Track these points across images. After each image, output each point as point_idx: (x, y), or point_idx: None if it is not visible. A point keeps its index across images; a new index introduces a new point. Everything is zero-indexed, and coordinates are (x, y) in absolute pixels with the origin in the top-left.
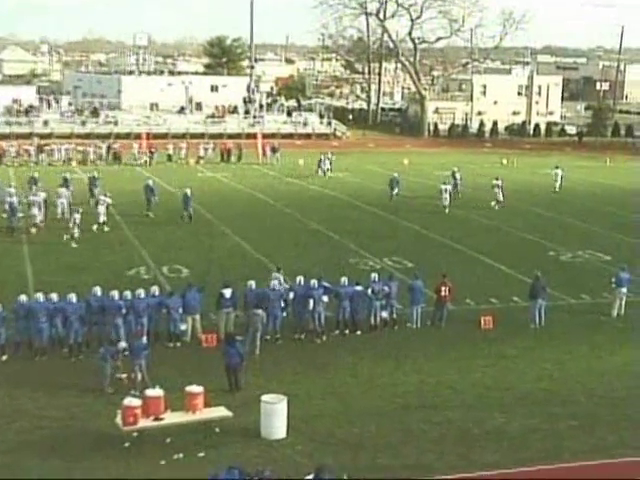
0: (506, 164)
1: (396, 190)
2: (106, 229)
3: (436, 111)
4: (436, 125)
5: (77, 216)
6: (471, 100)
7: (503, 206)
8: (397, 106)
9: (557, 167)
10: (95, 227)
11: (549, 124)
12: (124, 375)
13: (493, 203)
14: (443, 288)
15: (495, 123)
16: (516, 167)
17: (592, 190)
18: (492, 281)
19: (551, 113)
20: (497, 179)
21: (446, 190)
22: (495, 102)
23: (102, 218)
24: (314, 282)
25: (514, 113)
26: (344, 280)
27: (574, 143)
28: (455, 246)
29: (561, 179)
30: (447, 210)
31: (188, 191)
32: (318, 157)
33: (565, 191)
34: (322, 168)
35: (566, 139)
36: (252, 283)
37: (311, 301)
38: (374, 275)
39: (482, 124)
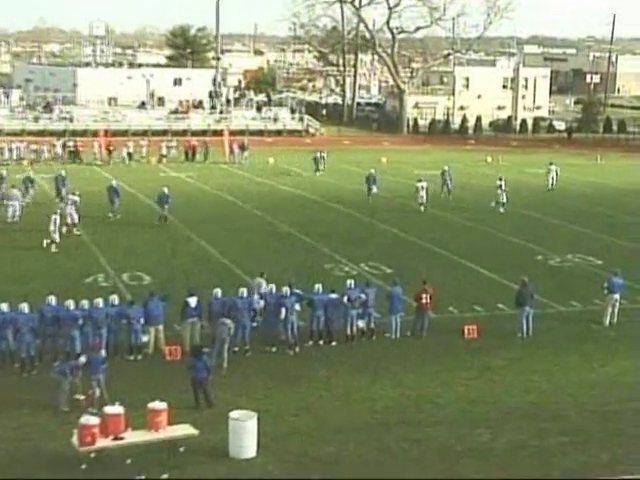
0: (491, 162)
1: (374, 188)
2: (77, 232)
3: (416, 106)
4: (416, 121)
5: (56, 217)
6: (453, 94)
7: (507, 209)
8: (374, 101)
9: (551, 163)
10: (65, 229)
11: (536, 119)
12: (82, 397)
13: (493, 204)
14: (424, 295)
15: (479, 118)
16: (501, 165)
17: (582, 190)
18: (476, 287)
19: (538, 108)
20: (500, 179)
21: (422, 188)
22: (479, 96)
23: (72, 219)
24: (287, 289)
25: (499, 108)
26: (318, 287)
27: (563, 140)
28: (437, 250)
29: (556, 176)
30: (423, 209)
31: (166, 189)
32: (313, 155)
33: (554, 191)
34: (318, 166)
35: (555, 135)
36: (218, 291)
37: (283, 310)
38: (350, 282)
39: (465, 119)
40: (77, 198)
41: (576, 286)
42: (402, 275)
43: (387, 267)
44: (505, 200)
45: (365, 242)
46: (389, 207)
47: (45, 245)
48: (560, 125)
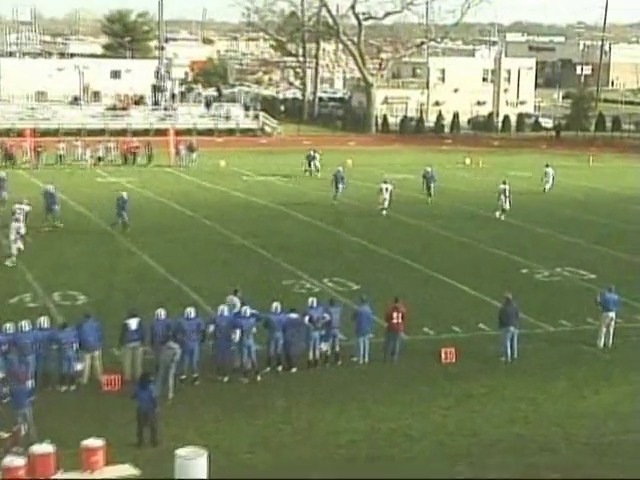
0: (469, 164)
1: (341, 187)
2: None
3: (385, 101)
4: (385, 118)
5: (18, 226)
6: (427, 88)
7: (508, 215)
8: (338, 95)
9: (547, 165)
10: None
11: (521, 116)
12: (5, 434)
13: (498, 213)
14: (395, 314)
15: (456, 115)
16: (481, 168)
17: (573, 195)
18: (454, 305)
19: (523, 103)
20: (504, 183)
21: (386, 190)
22: (456, 90)
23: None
24: (244, 309)
25: (479, 103)
26: (276, 306)
27: (551, 139)
28: (409, 263)
29: (552, 179)
30: (384, 213)
31: (124, 194)
32: (306, 154)
33: (540, 197)
34: (313, 167)
35: (541, 134)
36: (162, 312)
37: (238, 332)
38: (312, 300)
39: (440, 116)
40: (28, 208)
41: (566, 303)
42: (371, 292)
43: (354, 283)
44: (508, 207)
45: (329, 255)
46: (356, 215)
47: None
48: (547, 122)
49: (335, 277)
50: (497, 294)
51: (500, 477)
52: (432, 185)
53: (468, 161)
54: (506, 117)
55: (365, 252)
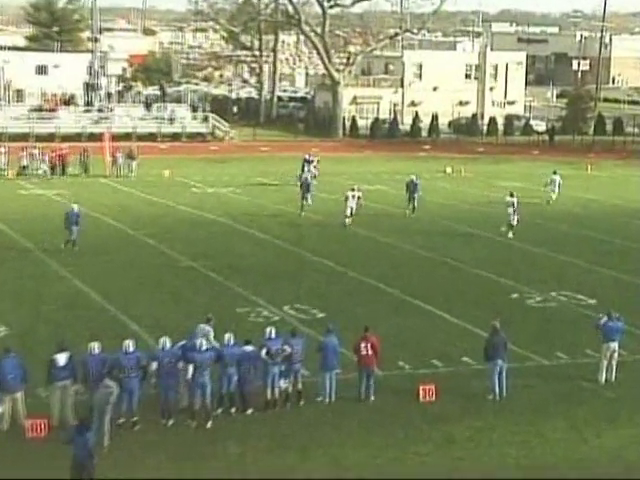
0: (451, 174)
1: (309, 197)
2: None
3: (354, 101)
4: (354, 120)
5: None
6: (402, 86)
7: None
8: (300, 95)
9: (555, 172)
10: None
11: (509, 118)
12: None
13: (504, 229)
14: (363, 345)
15: (435, 117)
16: (464, 178)
17: (569, 208)
18: (434, 336)
19: (511, 103)
20: (512, 195)
21: (353, 197)
22: (435, 88)
23: None
24: (201, 341)
25: (461, 103)
26: (229, 337)
27: (544, 144)
28: (383, 288)
29: (559, 187)
30: (348, 222)
31: (75, 207)
32: (302, 159)
33: (535, 210)
34: (308, 174)
35: (533, 138)
36: (96, 345)
37: (190, 368)
38: (270, 330)
39: (417, 119)
40: None
41: (562, 332)
42: (338, 320)
43: (319, 310)
44: (516, 222)
45: (290, 278)
46: (322, 232)
47: None
48: (540, 125)
49: (297, 304)
50: (483, 322)
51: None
52: (416, 196)
53: (449, 170)
54: (492, 119)
55: (332, 275)
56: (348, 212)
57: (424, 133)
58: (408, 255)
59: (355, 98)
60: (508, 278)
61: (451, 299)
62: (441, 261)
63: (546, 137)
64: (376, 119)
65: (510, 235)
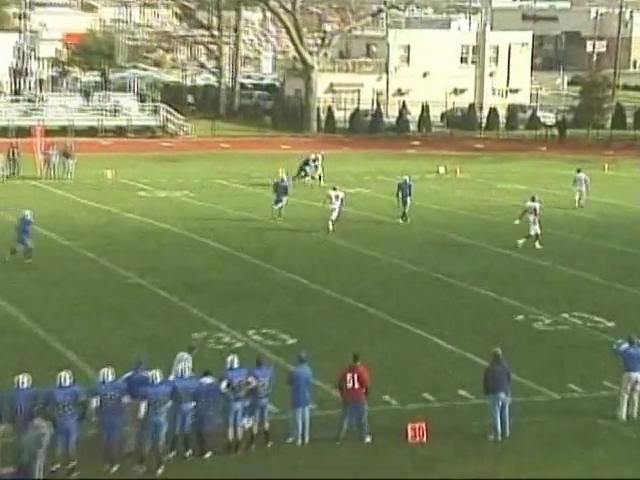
0: (444, 174)
1: (284, 199)
2: None
3: (330, 89)
4: (330, 112)
5: None
6: (386, 71)
7: (536, 245)
8: (267, 82)
9: (579, 171)
10: None
11: (513, 109)
12: None
13: (522, 241)
14: (349, 376)
15: (425, 108)
16: (460, 179)
17: (582, 215)
18: (425, 365)
19: (515, 91)
20: (534, 200)
21: (337, 197)
22: (425, 74)
23: None
24: (154, 373)
25: (456, 92)
26: (182, 368)
27: (553, 139)
28: (365, 309)
29: (586, 189)
30: (331, 227)
31: (28, 214)
32: (304, 159)
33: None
34: (309, 174)
35: (540, 133)
36: (24, 378)
37: (143, 405)
38: (232, 359)
39: (404, 110)
40: None
41: (576, 361)
42: (312, 347)
43: (289, 336)
44: (539, 231)
45: (257, 298)
46: (294, 244)
47: None
48: (548, 117)
49: (264, 328)
50: (482, 349)
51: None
52: (408, 201)
53: (442, 170)
54: (493, 110)
55: (305, 293)
56: (334, 216)
57: (412, 127)
58: (395, 270)
59: (332, 86)
60: (512, 297)
61: (445, 321)
62: (433, 277)
63: (556, 131)
64: (356, 110)
65: (537, 246)
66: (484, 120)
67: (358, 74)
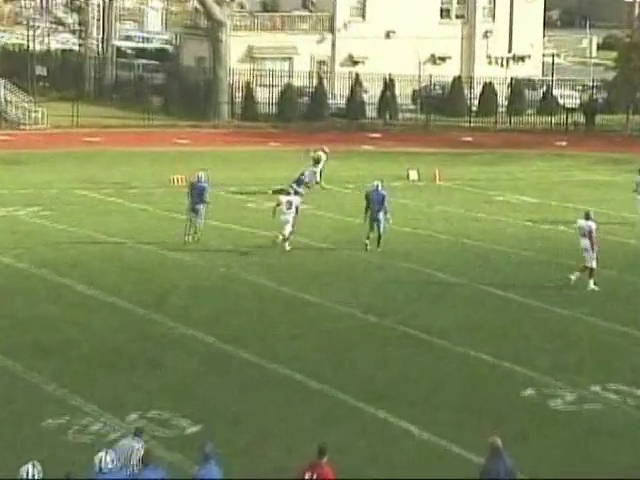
0: (417, 181)
1: (201, 210)
2: None
3: (249, 56)
4: (250, 91)
5: None
6: (331, 30)
7: (590, 285)
8: (155, 45)
9: None
10: None
11: (517, 85)
12: None
13: (574, 277)
14: (308, 475)
15: (389, 84)
16: (440, 189)
17: (619, 242)
18: (391, 461)
19: (521, 59)
20: (588, 218)
21: (289, 204)
22: (388, 34)
23: None
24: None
25: (434, 60)
26: (30, 470)
27: (577, 130)
28: (302, 381)
29: None
30: (287, 246)
31: None
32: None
33: (553, 245)
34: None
35: (557, 120)
36: None
37: None
38: (103, 457)
39: (358, 87)
40: None
41: (612, 455)
42: (223, 439)
43: (191, 421)
44: (595, 264)
45: (141, 366)
46: (197, 284)
47: None
48: (570, 98)
49: (152, 409)
50: (473, 439)
51: None
52: (381, 218)
53: (414, 175)
54: (488, 87)
55: (212, 358)
56: (287, 230)
57: (371, 112)
58: (345, 323)
59: (251, 51)
60: (517, 362)
61: (419, 399)
62: (402, 333)
63: (581, 117)
64: (287, 88)
65: (592, 287)
66: (475, 102)
67: (290, 34)
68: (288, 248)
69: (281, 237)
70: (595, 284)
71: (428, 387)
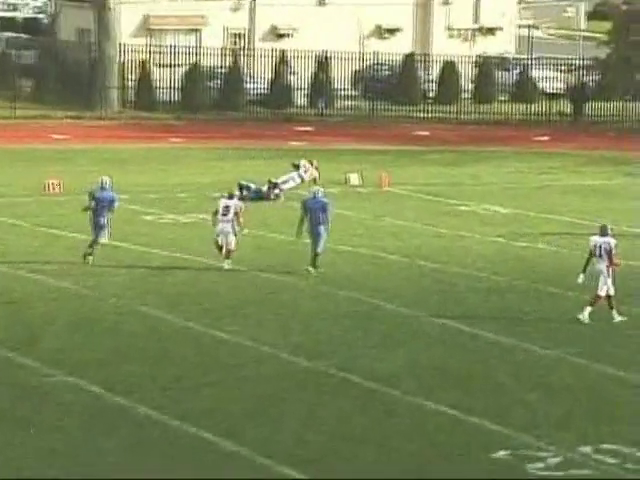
0: (359, 186)
1: (105, 225)
2: None
3: (146, 30)
4: (146, 73)
5: None
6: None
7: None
8: (25, 14)
9: None
10: None
11: (485, 66)
12: None
13: (586, 313)
14: None
15: (323, 63)
16: (388, 196)
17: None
18: None
19: (491, 31)
20: (604, 233)
21: (226, 210)
22: (322, 0)
23: None
24: None
25: (380, 33)
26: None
27: (562, 121)
28: (214, 440)
29: None
30: (226, 264)
31: None
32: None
33: (535, 266)
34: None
35: (537, 109)
36: None
37: None
38: None
39: (284, 67)
40: None
41: None
42: None
43: None
44: (613, 291)
45: (12, 425)
46: (77, 319)
47: None
48: (552, 80)
49: None
50: None
51: None
52: (322, 232)
53: (355, 179)
54: (449, 66)
55: (103, 414)
56: (232, 246)
57: (300, 99)
58: (271, 367)
59: (147, 22)
60: (487, 416)
61: (362, 465)
62: (340, 379)
63: (567, 106)
64: (194, 69)
65: (618, 318)
66: (432, 86)
67: (197, 0)
68: (227, 267)
69: (223, 253)
70: (620, 314)
71: (373, 449)
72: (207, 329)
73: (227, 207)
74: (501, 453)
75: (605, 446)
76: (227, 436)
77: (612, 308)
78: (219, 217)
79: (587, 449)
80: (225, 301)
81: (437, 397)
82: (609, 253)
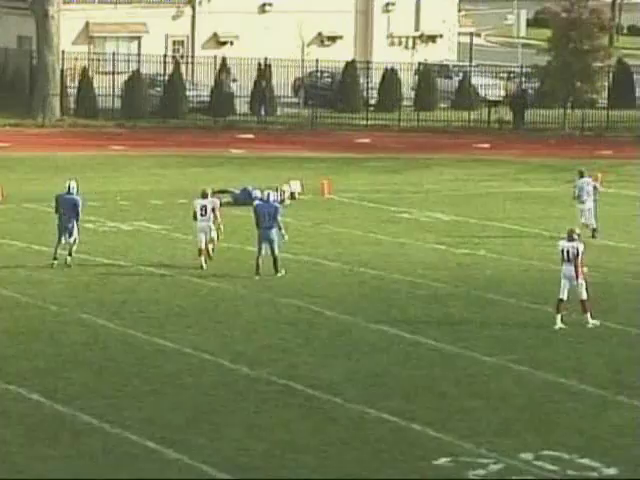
0: (300, 194)
1: (74, 231)
2: None
3: (86, 36)
4: (87, 80)
5: None
6: (190, 3)
7: (588, 320)
8: None
9: (582, 174)
10: None
11: (425, 73)
12: None
13: (593, 322)
14: None
15: (264, 71)
16: (329, 204)
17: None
18: None
19: (432, 39)
20: (572, 238)
21: (203, 210)
22: (264, 7)
23: None
24: None
25: (321, 40)
26: None
27: (502, 129)
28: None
29: (595, 204)
30: (203, 267)
31: None
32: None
33: (477, 273)
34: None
35: (478, 117)
36: None
37: None
38: None
39: (225, 75)
40: None
41: None
42: None
43: None
44: (585, 296)
45: None
46: (23, 322)
47: None
48: (493, 88)
49: None
50: None
51: None
52: (275, 238)
53: (296, 186)
54: (389, 74)
55: (43, 424)
56: (215, 240)
57: (241, 106)
58: (212, 376)
59: (88, 29)
60: (428, 423)
61: (304, 473)
62: (281, 387)
63: (507, 113)
64: (134, 76)
65: (592, 322)
66: (373, 93)
67: (138, 7)
68: (203, 265)
69: (201, 255)
70: (594, 318)
71: (315, 457)
72: (148, 337)
73: (204, 207)
74: (442, 460)
75: (546, 452)
76: (168, 444)
77: (585, 312)
78: (199, 218)
79: (528, 456)
80: (166, 309)
81: (379, 405)
82: (577, 257)
